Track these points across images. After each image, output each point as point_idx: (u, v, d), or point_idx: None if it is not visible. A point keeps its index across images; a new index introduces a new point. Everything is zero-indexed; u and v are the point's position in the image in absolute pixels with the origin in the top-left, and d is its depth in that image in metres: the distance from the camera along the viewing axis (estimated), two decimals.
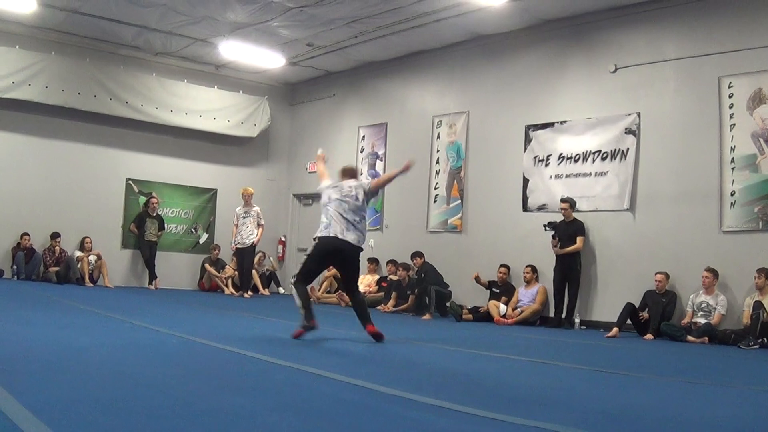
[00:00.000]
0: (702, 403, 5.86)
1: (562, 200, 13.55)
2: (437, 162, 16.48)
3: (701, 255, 11.97)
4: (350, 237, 8.60)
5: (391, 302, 15.46)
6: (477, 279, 14.42)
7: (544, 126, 14.47)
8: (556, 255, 13.42)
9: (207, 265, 18.60)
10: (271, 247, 20.21)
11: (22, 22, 16.48)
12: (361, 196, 8.80)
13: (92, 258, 17.12)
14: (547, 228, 13.43)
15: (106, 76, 17.69)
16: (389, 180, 9.65)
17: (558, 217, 13.50)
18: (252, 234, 16.74)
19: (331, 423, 4.11)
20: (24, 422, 3.50)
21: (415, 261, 15.37)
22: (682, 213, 12.42)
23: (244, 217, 16.84)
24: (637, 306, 12.09)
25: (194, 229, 19.39)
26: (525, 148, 14.71)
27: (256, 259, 17.97)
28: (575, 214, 13.41)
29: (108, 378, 5.13)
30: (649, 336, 11.55)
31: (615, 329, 11.81)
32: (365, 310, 8.78)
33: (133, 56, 18.32)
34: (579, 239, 13.23)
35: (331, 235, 8.55)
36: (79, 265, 16.92)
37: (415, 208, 16.82)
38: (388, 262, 16.61)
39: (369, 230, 17.62)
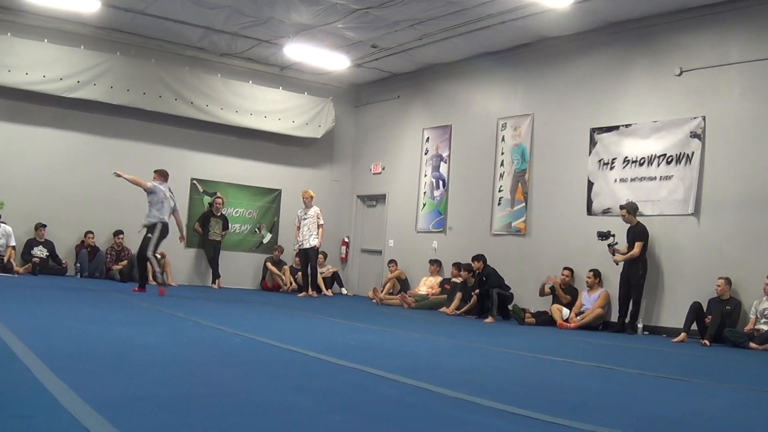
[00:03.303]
0: (764, 411, 5.76)
1: (621, 207, 13.41)
2: (501, 164, 16.40)
3: (766, 261, 11.77)
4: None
5: (454, 304, 15.38)
6: (545, 290, 14.38)
7: (609, 129, 14.32)
8: (616, 263, 13.29)
9: (269, 264, 18.75)
10: (335, 248, 20.31)
11: (88, 23, 16.77)
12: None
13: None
14: (601, 239, 13.32)
15: (171, 76, 17.93)
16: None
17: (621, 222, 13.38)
18: (312, 235, 16.75)
19: (393, 425, 4.11)
20: (86, 418, 3.55)
21: (474, 264, 15.26)
22: (746, 218, 12.20)
23: (305, 219, 16.91)
24: (704, 309, 11.93)
25: (258, 228, 19.53)
26: (590, 152, 14.57)
27: (319, 260, 18.00)
28: (640, 218, 13.26)
29: (170, 375, 5.18)
30: (704, 342, 11.35)
31: (683, 334, 11.72)
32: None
33: (198, 57, 18.54)
34: (636, 245, 13.00)
35: (165, 219, 13.88)
36: None
37: (479, 210, 16.76)
38: (453, 265, 16.57)
39: (432, 232, 17.82)
